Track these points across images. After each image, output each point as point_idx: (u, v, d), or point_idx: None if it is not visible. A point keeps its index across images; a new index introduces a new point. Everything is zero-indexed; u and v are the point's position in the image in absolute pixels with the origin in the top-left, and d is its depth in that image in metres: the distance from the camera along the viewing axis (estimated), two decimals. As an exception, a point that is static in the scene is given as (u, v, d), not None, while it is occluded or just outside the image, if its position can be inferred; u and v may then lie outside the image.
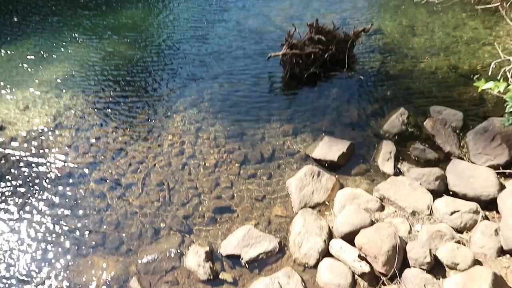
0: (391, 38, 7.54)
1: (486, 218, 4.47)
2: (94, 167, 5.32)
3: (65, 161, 5.41)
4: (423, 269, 3.94)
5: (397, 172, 5.13)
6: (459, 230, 4.37)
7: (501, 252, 4.15)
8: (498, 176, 4.78)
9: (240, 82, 6.73)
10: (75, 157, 5.47)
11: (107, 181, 5.15)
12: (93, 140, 5.72)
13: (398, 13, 8.24)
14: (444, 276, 3.97)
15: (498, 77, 5.16)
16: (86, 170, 5.28)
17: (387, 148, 5.36)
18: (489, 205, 4.61)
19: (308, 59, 6.66)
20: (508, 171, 4.84)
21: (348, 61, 6.85)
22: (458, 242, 4.19)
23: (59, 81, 6.83)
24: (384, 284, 3.94)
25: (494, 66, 5.37)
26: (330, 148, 5.30)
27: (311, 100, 6.35)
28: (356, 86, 6.56)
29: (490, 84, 3.31)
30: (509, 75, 5.00)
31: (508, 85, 3.38)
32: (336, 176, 5.10)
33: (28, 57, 7.41)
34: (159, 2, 9.47)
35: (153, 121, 6.03)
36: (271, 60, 6.77)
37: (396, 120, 5.72)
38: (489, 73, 5.36)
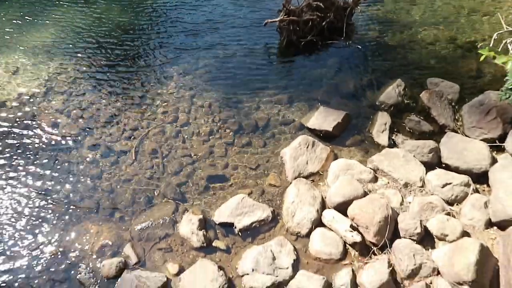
0: (390, 7, 7.36)
1: (476, 191, 4.53)
2: (87, 134, 5.25)
3: (57, 127, 5.32)
4: (413, 240, 4.01)
5: (392, 144, 5.13)
6: (450, 202, 4.43)
7: (489, 224, 4.23)
8: (491, 150, 4.81)
9: (235, 50, 6.57)
10: (67, 123, 5.38)
11: (100, 148, 5.09)
12: (85, 106, 5.60)
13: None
14: (433, 247, 4.05)
15: (499, 49, 5.12)
16: (79, 137, 5.21)
17: (382, 120, 5.34)
18: (481, 178, 4.66)
19: (305, 26, 6.50)
20: (502, 144, 4.86)
21: (346, 30, 6.70)
22: (448, 214, 4.26)
23: (47, 46, 6.61)
24: (375, 254, 4.02)
25: (496, 38, 5.28)
26: (325, 118, 5.26)
27: (308, 69, 6.25)
28: (353, 56, 6.45)
29: (503, 59, 3.24)
30: (510, 47, 4.94)
31: None
32: (331, 146, 5.09)
33: (12, 21, 7.11)
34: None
35: (146, 88, 5.91)
36: (268, 28, 6.60)
37: (392, 91, 5.67)
38: (491, 45, 5.28)
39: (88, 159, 4.96)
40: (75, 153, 5.03)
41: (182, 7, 7.60)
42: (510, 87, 4.50)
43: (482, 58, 3.98)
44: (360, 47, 6.57)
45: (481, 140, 4.99)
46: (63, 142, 5.15)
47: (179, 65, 6.27)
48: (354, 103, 5.65)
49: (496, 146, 4.89)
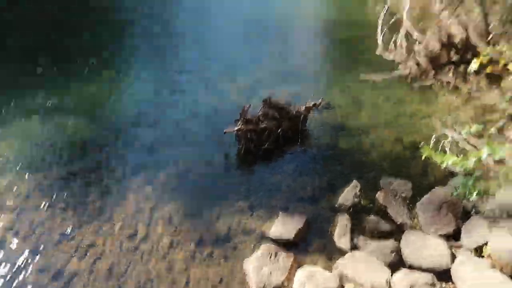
0: (340, 113, 7.92)
1: (442, 289, 4.51)
2: (36, 254, 4.93)
3: (3, 248, 4.97)
4: None
5: (354, 246, 5.12)
6: (418, 305, 4.34)
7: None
8: (449, 246, 4.91)
9: (194, 162, 6.64)
10: (15, 242, 5.06)
11: (50, 269, 4.75)
12: (36, 223, 5.36)
13: (345, 89, 8.78)
14: None
15: (439, 149, 5.58)
16: (26, 258, 4.86)
17: (342, 222, 5.41)
18: (443, 275, 4.67)
19: (262, 134, 6.81)
20: (458, 242, 4.98)
21: (301, 136, 7.08)
22: (418, 318, 4.15)
23: (2, 159, 6.50)
24: None
25: (434, 140, 5.79)
26: (286, 226, 5.27)
27: (266, 176, 6.40)
28: (309, 161, 6.73)
29: (439, 158, 3.67)
30: (447, 149, 5.41)
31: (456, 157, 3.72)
32: (294, 254, 5.00)
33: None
34: (108, 82, 9.24)
35: (104, 201, 5.78)
36: (227, 137, 6.84)
37: (349, 193, 5.86)
38: (431, 146, 5.73)
39: (35, 284, 4.57)
40: (21, 277, 4.64)
41: (140, 124, 7.67)
42: (458, 185, 4.78)
43: (423, 157, 4.34)
44: (315, 152, 6.91)
45: (438, 235, 5.12)
46: (9, 264, 4.77)
47: (138, 179, 6.24)
48: (314, 207, 5.73)
49: (453, 241, 5.01)
